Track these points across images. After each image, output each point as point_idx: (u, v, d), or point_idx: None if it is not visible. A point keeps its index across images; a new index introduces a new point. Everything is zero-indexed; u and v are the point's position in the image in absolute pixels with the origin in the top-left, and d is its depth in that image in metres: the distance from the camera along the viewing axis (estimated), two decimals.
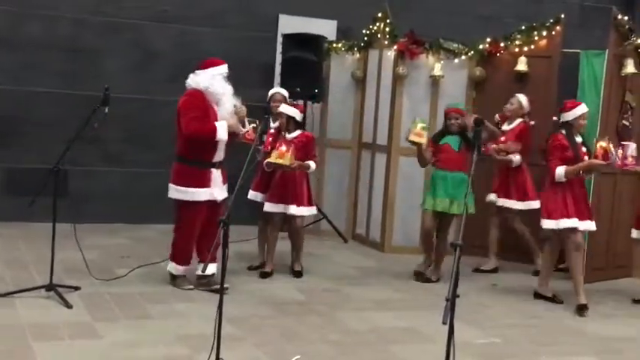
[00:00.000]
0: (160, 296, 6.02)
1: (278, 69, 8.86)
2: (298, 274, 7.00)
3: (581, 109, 6.49)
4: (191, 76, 6.13)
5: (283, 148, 6.56)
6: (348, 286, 6.78)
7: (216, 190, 6.14)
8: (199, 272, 6.23)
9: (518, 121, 7.60)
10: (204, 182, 6.09)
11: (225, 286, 5.87)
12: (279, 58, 8.89)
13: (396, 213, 8.36)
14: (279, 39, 8.94)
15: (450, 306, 3.59)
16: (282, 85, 8.43)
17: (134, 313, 5.57)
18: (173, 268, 6.30)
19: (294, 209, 6.83)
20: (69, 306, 5.53)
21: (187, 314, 5.63)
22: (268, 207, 6.87)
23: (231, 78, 6.15)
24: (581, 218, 6.41)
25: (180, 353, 4.80)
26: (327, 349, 5.11)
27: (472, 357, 5.08)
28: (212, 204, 6.15)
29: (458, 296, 3.63)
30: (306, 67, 8.41)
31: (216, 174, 6.14)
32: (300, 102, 8.19)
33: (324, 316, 5.84)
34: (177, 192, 6.11)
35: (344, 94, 8.97)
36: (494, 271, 7.72)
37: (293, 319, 5.68)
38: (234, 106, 6.13)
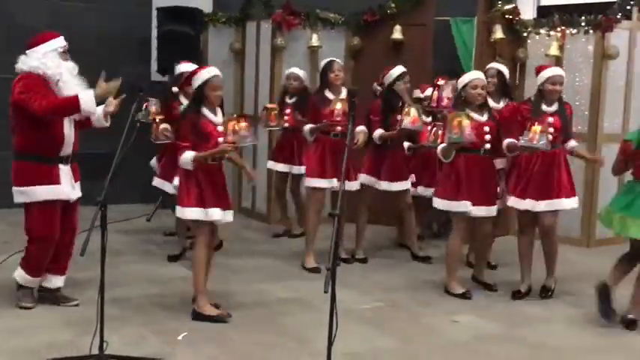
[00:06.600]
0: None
1: (155, 43, 8.69)
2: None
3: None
4: (21, 57, 5.10)
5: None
6: (234, 259, 6.77)
7: (67, 188, 5.19)
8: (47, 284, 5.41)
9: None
10: (50, 179, 5.10)
11: (75, 302, 5.38)
12: (155, 32, 8.72)
13: None
14: (154, 13, 8.76)
15: (331, 275, 3.68)
16: (159, 60, 8.30)
17: (13, 300, 5.39)
18: (21, 276, 5.29)
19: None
20: None
21: None
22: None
23: (76, 52, 5.38)
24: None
25: (63, 339, 4.72)
26: (215, 324, 5.11)
27: (356, 321, 5.20)
28: (64, 206, 5.23)
29: (339, 264, 3.72)
30: (183, 40, 8.27)
31: (64, 170, 5.15)
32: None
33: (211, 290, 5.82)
34: (21, 194, 5.12)
35: (223, 67, 8.87)
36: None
37: (178, 296, 5.64)
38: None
